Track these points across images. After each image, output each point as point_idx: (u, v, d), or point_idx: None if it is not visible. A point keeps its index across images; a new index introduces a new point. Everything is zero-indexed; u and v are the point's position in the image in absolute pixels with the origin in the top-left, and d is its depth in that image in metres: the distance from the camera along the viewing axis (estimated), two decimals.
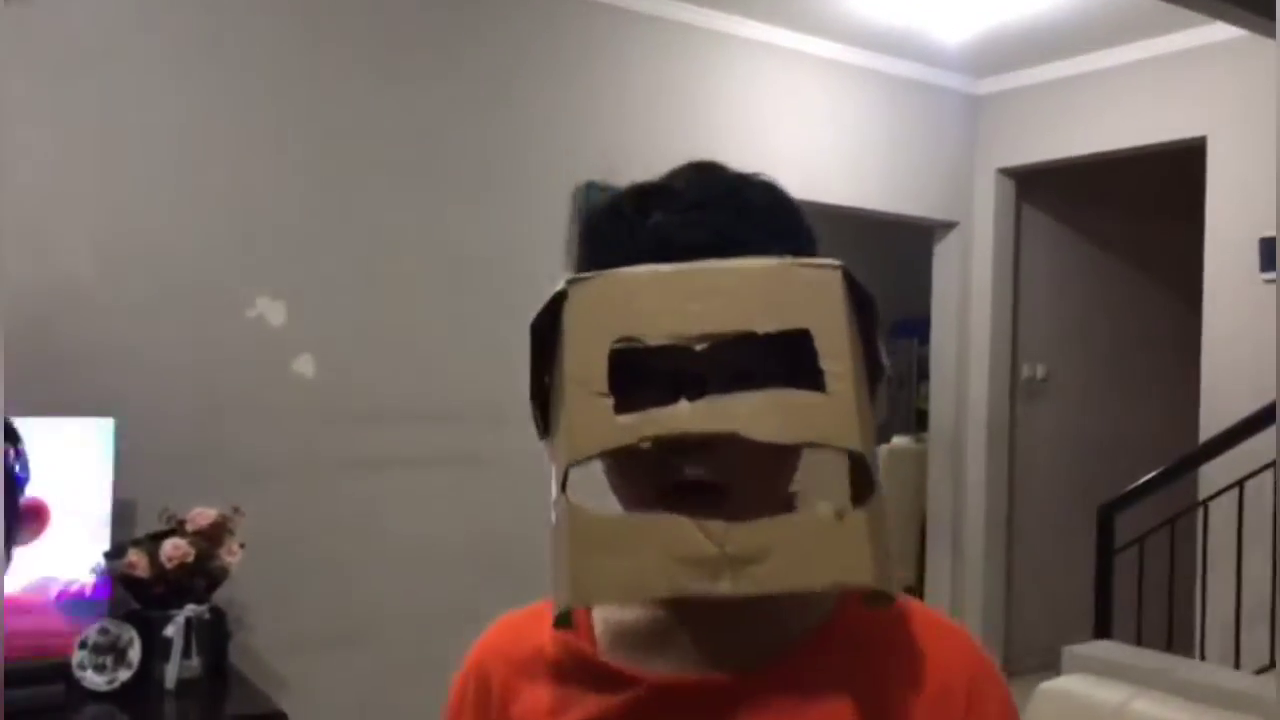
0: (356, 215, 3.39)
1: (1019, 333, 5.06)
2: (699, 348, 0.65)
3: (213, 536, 2.79)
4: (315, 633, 3.27)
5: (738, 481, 0.68)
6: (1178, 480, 3.50)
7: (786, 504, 0.74)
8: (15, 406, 2.71)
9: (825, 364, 0.64)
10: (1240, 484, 3.31)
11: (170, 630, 2.74)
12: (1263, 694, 2.03)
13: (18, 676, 2.60)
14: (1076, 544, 4.11)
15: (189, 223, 3.12)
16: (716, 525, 0.62)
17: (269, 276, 3.24)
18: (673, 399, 0.65)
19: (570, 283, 0.69)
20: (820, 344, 0.64)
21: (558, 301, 0.69)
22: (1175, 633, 3.51)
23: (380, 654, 3.39)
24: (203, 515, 2.79)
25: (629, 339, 0.66)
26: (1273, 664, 3.28)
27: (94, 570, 2.71)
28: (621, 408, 0.65)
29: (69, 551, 2.70)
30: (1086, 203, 5.27)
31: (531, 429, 3.28)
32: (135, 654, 2.72)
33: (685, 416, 0.64)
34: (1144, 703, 2.04)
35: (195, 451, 3.07)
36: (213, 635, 2.84)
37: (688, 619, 0.76)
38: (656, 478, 0.69)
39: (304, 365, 3.28)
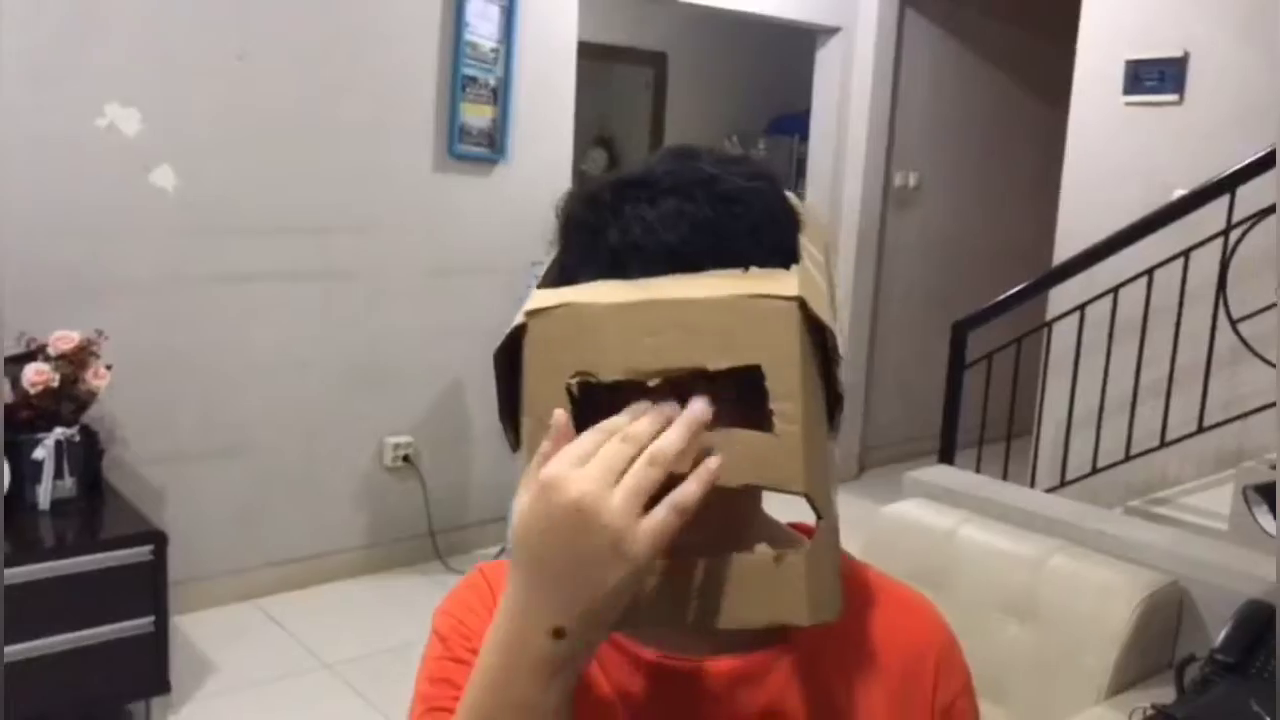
0: (214, 9, 3.17)
1: (894, 140, 5.12)
2: (651, 383, 0.66)
3: (77, 360, 2.74)
4: (190, 446, 3.29)
5: None
6: (1028, 302, 3.69)
7: (741, 522, 0.76)
8: None
9: (775, 404, 0.64)
10: (1082, 308, 3.53)
11: (40, 453, 2.73)
12: (1075, 519, 2.26)
13: None
14: (931, 348, 4.34)
15: (23, 23, 2.87)
16: (663, 568, 0.66)
17: (119, 81, 3.03)
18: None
19: (529, 315, 0.68)
20: (771, 382, 0.65)
21: (518, 332, 0.69)
22: (1014, 433, 3.81)
23: (254, 463, 3.45)
24: (65, 339, 2.73)
25: (584, 374, 0.66)
26: (1094, 469, 3.61)
27: None
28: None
29: None
30: (970, 11, 5.25)
31: (400, 239, 3.33)
32: (4, 477, 2.71)
33: None
34: (972, 528, 2.25)
35: (51, 272, 2.96)
36: (85, 455, 2.84)
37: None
38: None
39: (163, 177, 3.14)
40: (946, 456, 3.55)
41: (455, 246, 3.76)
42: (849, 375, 5.13)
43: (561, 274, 0.73)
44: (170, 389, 3.22)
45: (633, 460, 0.61)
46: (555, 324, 0.67)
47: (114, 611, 2.67)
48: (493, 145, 3.83)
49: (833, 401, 0.71)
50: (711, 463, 0.63)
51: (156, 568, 2.71)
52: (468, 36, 3.68)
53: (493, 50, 3.77)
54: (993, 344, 3.69)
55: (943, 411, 3.70)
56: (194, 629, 3.18)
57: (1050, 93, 5.01)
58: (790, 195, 0.77)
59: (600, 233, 0.71)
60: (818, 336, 0.67)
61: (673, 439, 0.62)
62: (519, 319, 0.68)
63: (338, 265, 3.52)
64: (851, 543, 2.25)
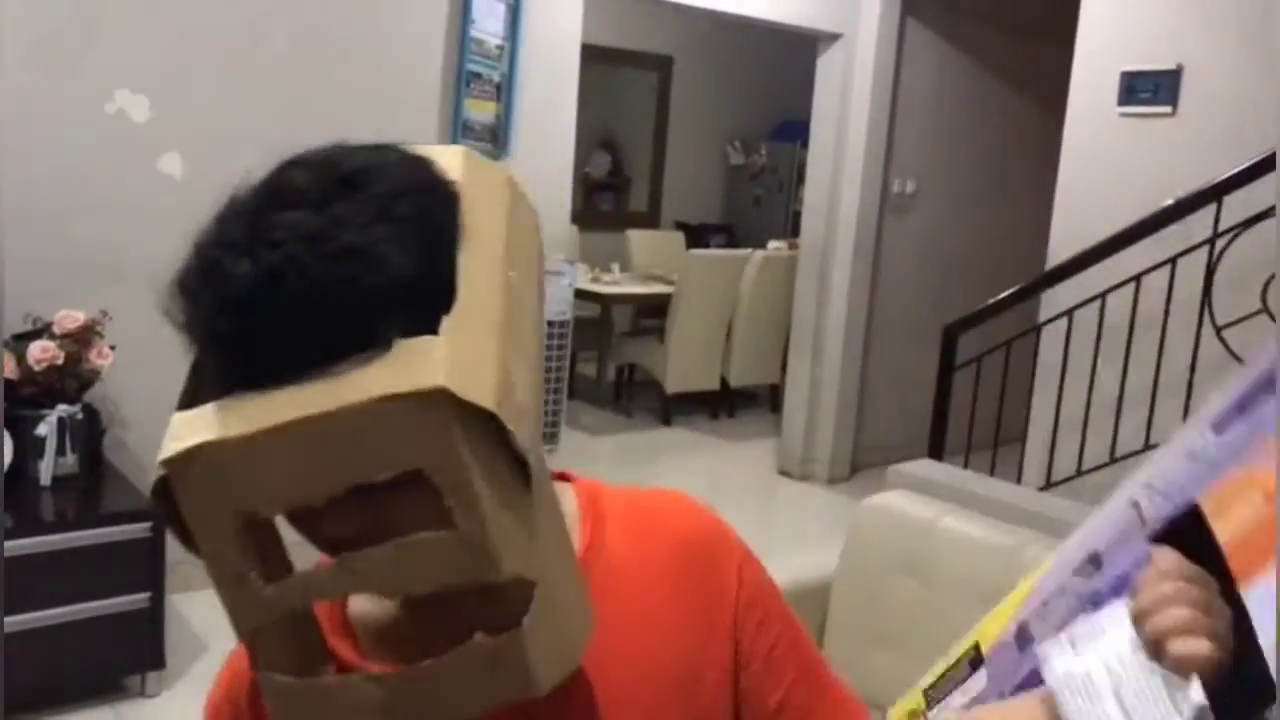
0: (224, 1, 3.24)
1: (893, 147, 5.18)
2: (320, 504, 0.61)
3: (81, 339, 2.80)
4: None
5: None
6: (1020, 304, 3.75)
7: (462, 604, 0.69)
8: None
9: (449, 499, 0.60)
10: (1070, 312, 3.59)
11: (43, 429, 2.79)
12: (1053, 513, 2.31)
13: None
14: (925, 353, 4.39)
15: (36, 7, 2.94)
16: (388, 678, 0.65)
17: (129, 68, 3.10)
18: (317, 521, 0.64)
19: (168, 465, 0.62)
20: (439, 480, 0.60)
21: (164, 478, 0.63)
22: (1001, 438, 3.86)
23: None
24: (70, 318, 2.79)
25: (247, 514, 0.62)
26: (1079, 472, 3.66)
27: None
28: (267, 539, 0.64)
29: None
30: (971, 20, 5.32)
31: None
32: (7, 451, 2.76)
33: (326, 581, 0.64)
34: (953, 519, 2.30)
35: (59, 253, 3.02)
36: (87, 434, 2.90)
37: (415, 616, 0.77)
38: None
39: (170, 164, 3.20)
40: (935, 456, 3.61)
41: None
42: (845, 380, 5.19)
43: (199, 382, 0.67)
44: (172, 373, 3.24)
45: None
46: (199, 470, 0.61)
47: (112, 586, 2.73)
48: (495, 141, 3.89)
49: (519, 464, 0.65)
50: None
51: (154, 545, 2.76)
52: (473, 33, 3.74)
53: (498, 47, 3.83)
54: (986, 350, 3.75)
55: (932, 412, 3.75)
56: (188, 608, 3.23)
57: (1048, 102, 5.07)
58: (456, 174, 0.67)
59: (206, 332, 0.64)
60: (480, 413, 0.60)
61: None
62: (159, 470, 0.63)
63: None
64: (834, 536, 2.31)
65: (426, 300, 0.61)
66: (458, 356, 0.60)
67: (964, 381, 3.75)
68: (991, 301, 3.69)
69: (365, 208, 0.61)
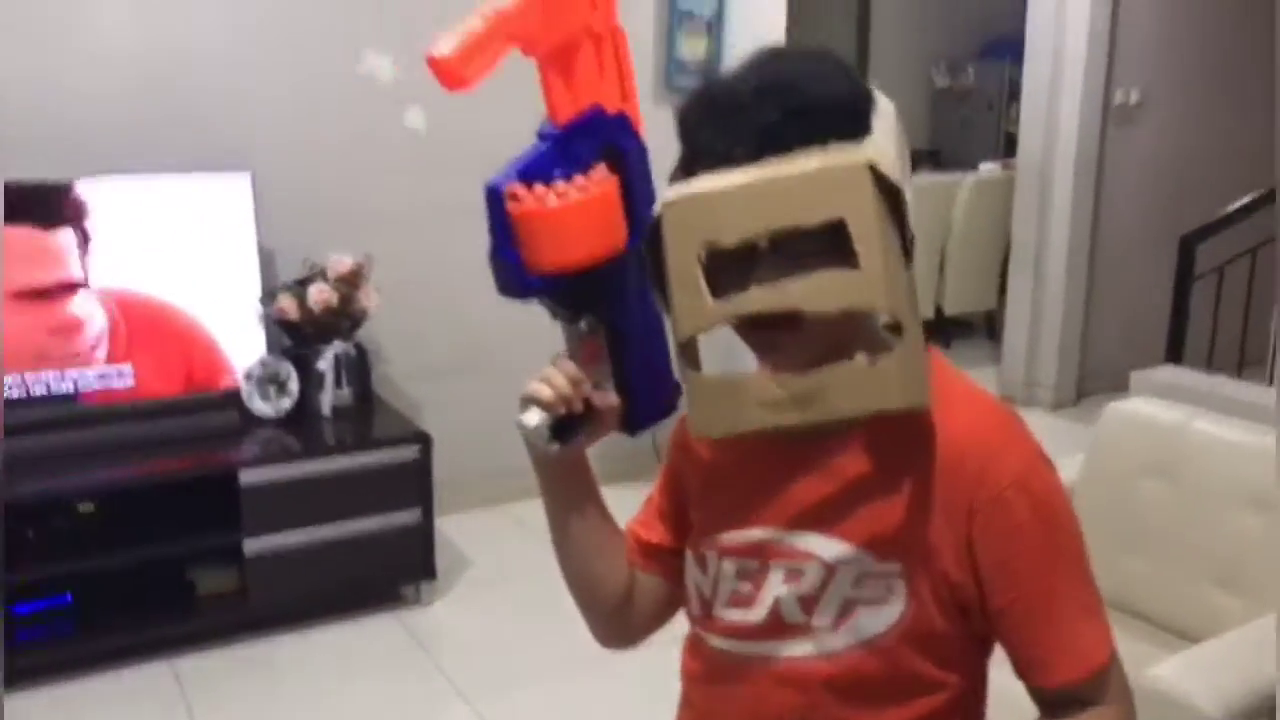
0: None
1: (1115, 56, 4.94)
2: (762, 244, 0.86)
3: (352, 282, 3.07)
4: (445, 363, 3.61)
5: (806, 319, 0.87)
6: (1261, 211, 3.55)
7: (846, 341, 0.92)
8: (155, 166, 2.97)
9: (857, 246, 0.82)
10: None
11: (322, 364, 3.09)
12: None
13: (198, 405, 3.00)
14: (1156, 271, 4.21)
15: None
16: (785, 376, 0.87)
17: (373, 32, 3.34)
18: (749, 273, 0.87)
19: (665, 206, 0.90)
20: (853, 230, 0.82)
21: (658, 219, 0.91)
22: (1246, 355, 3.68)
23: (501, 379, 3.69)
24: (341, 263, 3.07)
25: (711, 243, 0.86)
26: None
27: (253, 313, 3.03)
28: (716, 283, 0.87)
29: (222, 298, 3.01)
30: None
31: None
32: (294, 385, 3.09)
33: (756, 298, 0.86)
34: (1204, 422, 2.25)
35: (323, 203, 3.32)
36: (358, 368, 3.19)
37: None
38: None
39: (415, 119, 3.44)
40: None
41: None
42: (1069, 301, 5.02)
43: (684, 165, 0.93)
44: (425, 312, 3.54)
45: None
46: (684, 210, 0.88)
47: (387, 503, 3.01)
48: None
49: (907, 242, 0.89)
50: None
51: (422, 465, 3.03)
52: None
53: None
54: (1227, 259, 3.58)
55: (1169, 327, 3.62)
56: (451, 528, 3.52)
57: None
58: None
59: (698, 144, 0.92)
60: (888, 192, 0.85)
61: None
62: (656, 209, 0.90)
63: None
64: (1064, 458, 2.33)
65: (855, 126, 0.87)
66: (876, 150, 0.85)
67: (1202, 297, 3.58)
68: (1234, 208, 3.50)
69: (831, 67, 0.92)
